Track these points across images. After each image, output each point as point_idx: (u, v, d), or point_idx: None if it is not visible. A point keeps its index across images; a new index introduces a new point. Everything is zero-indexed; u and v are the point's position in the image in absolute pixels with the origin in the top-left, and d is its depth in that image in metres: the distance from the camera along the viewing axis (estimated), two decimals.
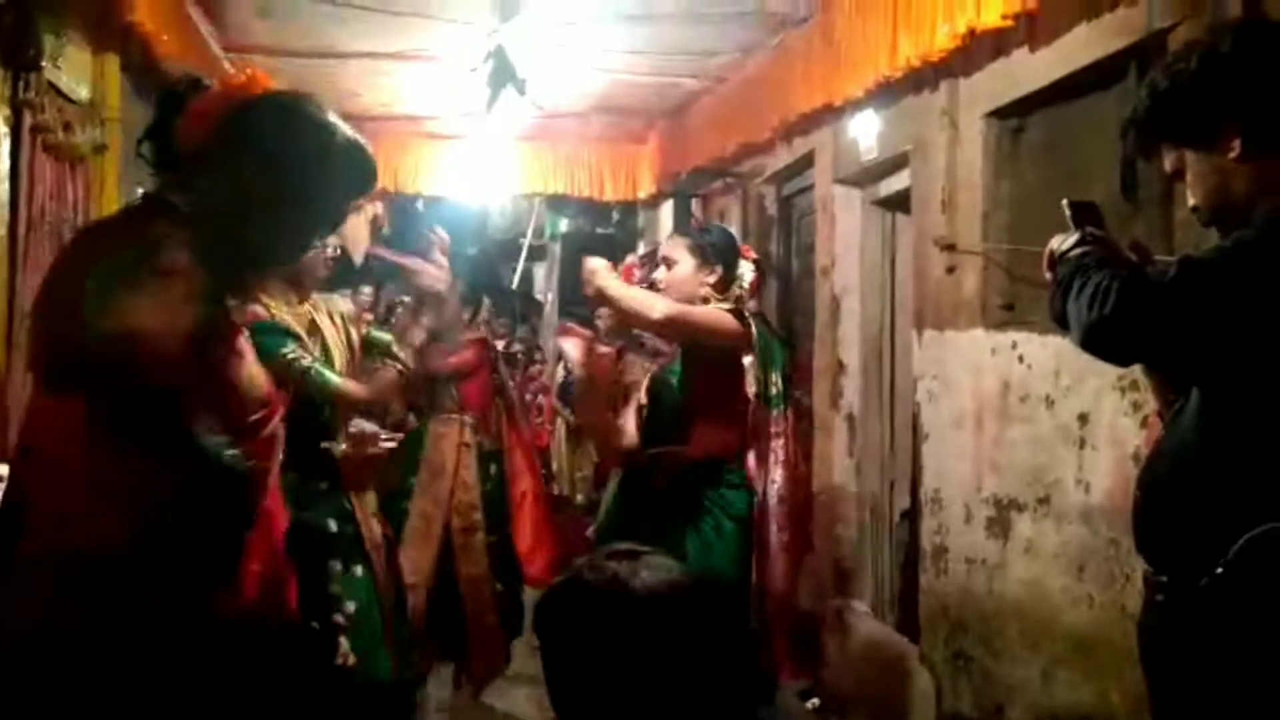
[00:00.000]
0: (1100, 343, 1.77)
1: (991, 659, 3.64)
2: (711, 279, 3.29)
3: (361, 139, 1.89)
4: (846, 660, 4.81)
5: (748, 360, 3.19)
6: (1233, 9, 2.61)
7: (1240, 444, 1.73)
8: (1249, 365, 1.70)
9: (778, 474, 3.20)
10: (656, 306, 3.21)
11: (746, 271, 3.37)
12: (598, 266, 3.34)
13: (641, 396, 3.49)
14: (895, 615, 4.77)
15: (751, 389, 3.19)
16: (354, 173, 1.88)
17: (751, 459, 3.25)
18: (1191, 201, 1.88)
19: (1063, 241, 1.94)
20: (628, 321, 3.37)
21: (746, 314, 3.25)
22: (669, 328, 3.25)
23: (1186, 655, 1.79)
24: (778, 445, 3.21)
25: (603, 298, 3.35)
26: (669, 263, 3.34)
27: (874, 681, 4.55)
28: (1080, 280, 1.78)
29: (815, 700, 4.97)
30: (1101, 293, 1.72)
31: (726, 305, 3.28)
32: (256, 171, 1.77)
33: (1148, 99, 1.90)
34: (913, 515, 4.38)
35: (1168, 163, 1.90)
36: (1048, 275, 1.96)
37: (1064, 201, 2.03)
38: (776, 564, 3.19)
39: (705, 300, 3.28)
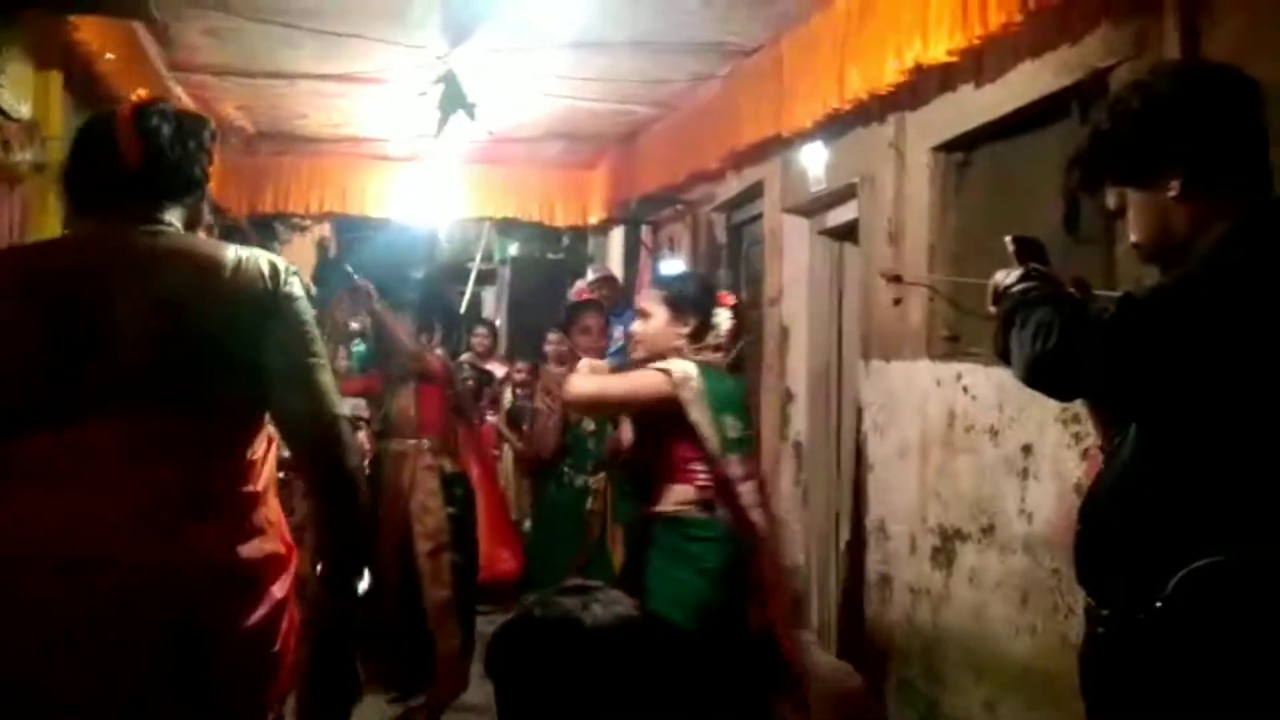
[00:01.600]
0: (1042, 378, 1.79)
1: (936, 688, 3.65)
2: (685, 330, 3.21)
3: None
4: None
5: (698, 413, 3.11)
6: (1171, 50, 2.67)
7: (1178, 478, 1.76)
8: (1186, 401, 1.73)
9: (756, 517, 3.12)
10: (574, 388, 3.30)
11: (724, 320, 3.30)
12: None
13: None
14: (842, 645, 4.78)
15: (710, 439, 3.09)
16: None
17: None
18: (1132, 238, 1.91)
19: (1006, 276, 1.96)
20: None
21: (678, 369, 3.13)
22: (592, 408, 3.26)
23: (1125, 688, 1.81)
24: (746, 489, 3.14)
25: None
26: (644, 315, 3.28)
27: (820, 711, 4.54)
28: (1023, 316, 1.81)
29: None
30: (1044, 329, 1.74)
31: (690, 360, 3.19)
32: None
33: (1091, 138, 1.93)
34: (857, 545, 4.40)
35: (1110, 200, 1.93)
36: (992, 309, 1.98)
37: (1007, 238, 2.05)
38: (776, 609, 3.13)
39: (678, 351, 3.21)
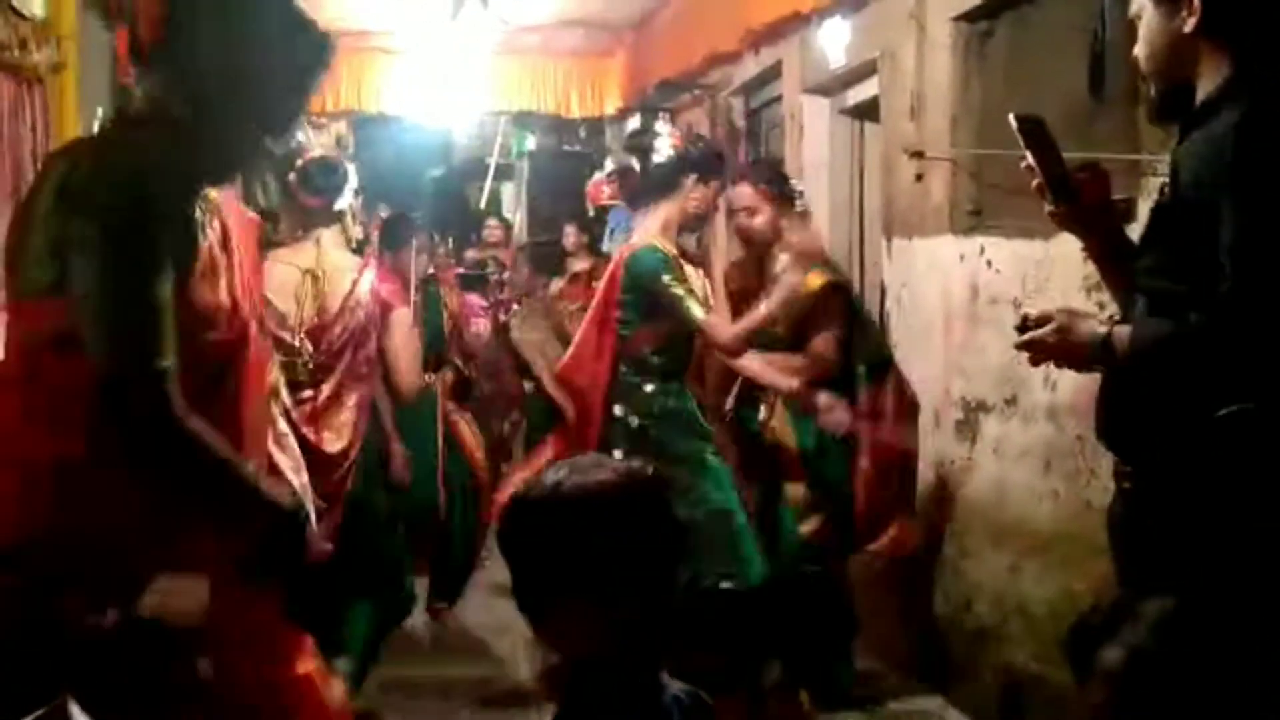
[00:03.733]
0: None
1: (960, 557, 3.73)
2: (790, 215, 3.54)
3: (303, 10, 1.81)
4: None
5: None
6: None
7: (1205, 335, 1.78)
8: None
9: None
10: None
11: (799, 199, 3.62)
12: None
13: None
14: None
15: None
16: (303, 42, 1.80)
17: None
18: (1137, 50, 1.92)
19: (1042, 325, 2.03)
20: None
21: None
22: None
23: (1154, 540, 1.86)
24: None
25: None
26: (752, 213, 3.51)
27: None
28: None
29: None
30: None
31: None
32: (209, 55, 1.68)
33: None
34: None
35: (1134, 4, 1.94)
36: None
37: (1011, 116, 2.04)
38: None
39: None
